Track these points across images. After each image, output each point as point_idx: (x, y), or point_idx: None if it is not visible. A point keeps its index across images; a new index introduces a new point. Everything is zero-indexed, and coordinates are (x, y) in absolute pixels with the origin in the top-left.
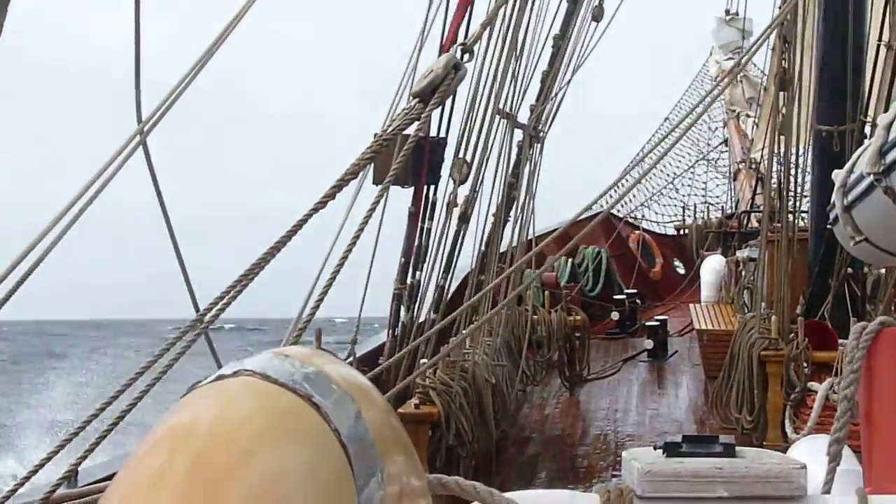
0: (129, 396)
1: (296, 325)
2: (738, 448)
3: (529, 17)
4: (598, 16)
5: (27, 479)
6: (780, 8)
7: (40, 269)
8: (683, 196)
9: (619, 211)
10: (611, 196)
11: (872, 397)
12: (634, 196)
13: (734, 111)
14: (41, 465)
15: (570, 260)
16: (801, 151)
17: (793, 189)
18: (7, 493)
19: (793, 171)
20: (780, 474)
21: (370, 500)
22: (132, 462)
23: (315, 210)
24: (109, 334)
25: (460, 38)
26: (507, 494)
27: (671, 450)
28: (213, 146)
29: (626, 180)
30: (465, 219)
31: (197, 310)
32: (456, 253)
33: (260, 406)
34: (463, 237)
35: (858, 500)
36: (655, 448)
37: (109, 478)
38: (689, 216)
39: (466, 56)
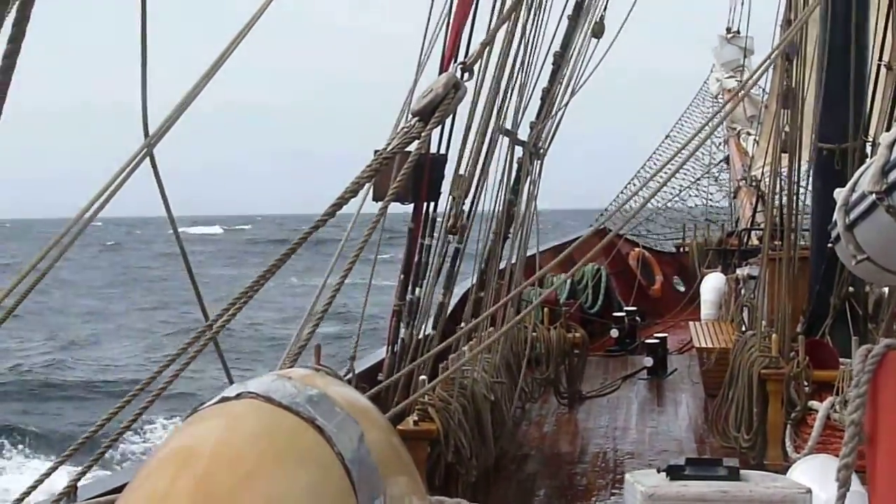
0: (130, 412)
1: (295, 343)
2: (742, 471)
3: (530, 35)
4: (598, 32)
5: (27, 494)
6: (781, 27)
7: None
8: (691, 209)
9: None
10: (618, 217)
11: (878, 420)
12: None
13: (735, 129)
14: (41, 481)
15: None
16: (802, 169)
17: (794, 207)
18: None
19: (794, 190)
20: (785, 499)
21: None
22: (135, 483)
23: (316, 227)
24: None
25: (460, 56)
26: None
27: (675, 473)
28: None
29: (632, 201)
30: (453, 231)
31: (206, 318)
32: (455, 270)
33: (263, 429)
34: (457, 253)
35: None
36: (658, 471)
37: (109, 493)
38: (689, 234)
39: (466, 75)
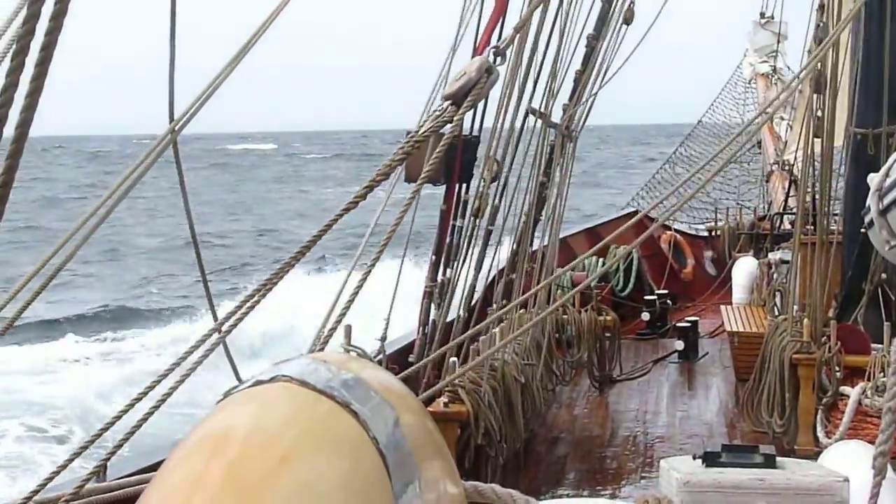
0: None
1: (325, 325)
2: (778, 459)
3: (564, 19)
4: (629, 19)
5: (56, 473)
6: (816, 12)
7: None
8: (717, 198)
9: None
10: (647, 200)
11: None
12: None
13: (768, 113)
14: (70, 460)
15: (600, 259)
16: (835, 154)
17: (826, 192)
18: (36, 488)
19: (827, 174)
20: (822, 487)
21: None
22: (167, 467)
23: (346, 210)
24: None
25: (493, 41)
26: (544, 503)
27: (710, 459)
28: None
29: (682, 191)
30: (477, 214)
31: (215, 318)
32: (488, 252)
33: (298, 413)
34: (488, 235)
35: None
36: (694, 457)
37: (138, 472)
38: (720, 218)
39: (499, 59)
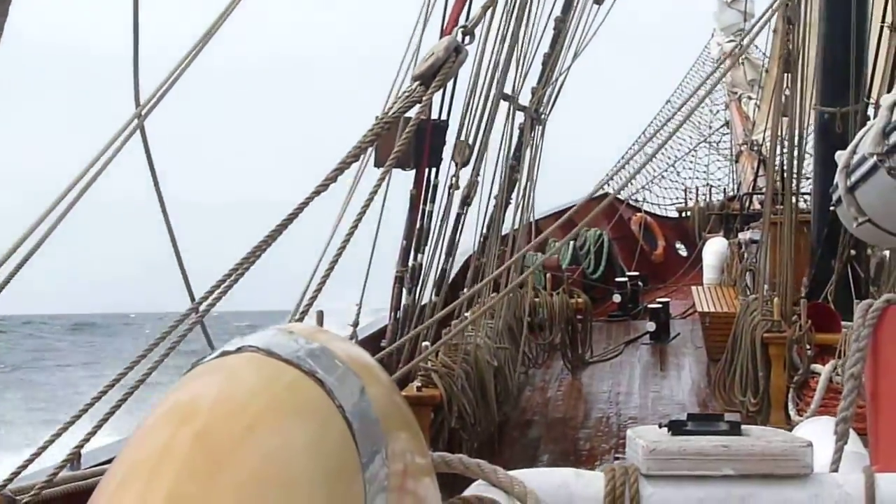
0: (130, 381)
1: (297, 309)
2: (743, 426)
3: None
4: None
5: (30, 461)
6: None
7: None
8: (685, 179)
9: (620, 193)
10: (617, 180)
11: (879, 375)
12: (636, 179)
13: (736, 93)
14: (44, 448)
15: (571, 242)
16: (803, 133)
17: (795, 171)
18: (10, 476)
19: (796, 153)
20: (785, 452)
21: (375, 476)
22: (135, 438)
23: (316, 193)
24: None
25: (461, 21)
26: (512, 472)
27: (676, 428)
28: (208, 131)
29: (631, 164)
30: (467, 202)
31: (192, 299)
32: (458, 236)
33: (264, 381)
34: (464, 220)
35: (865, 478)
36: (660, 426)
37: (112, 460)
38: (690, 199)
39: (468, 39)
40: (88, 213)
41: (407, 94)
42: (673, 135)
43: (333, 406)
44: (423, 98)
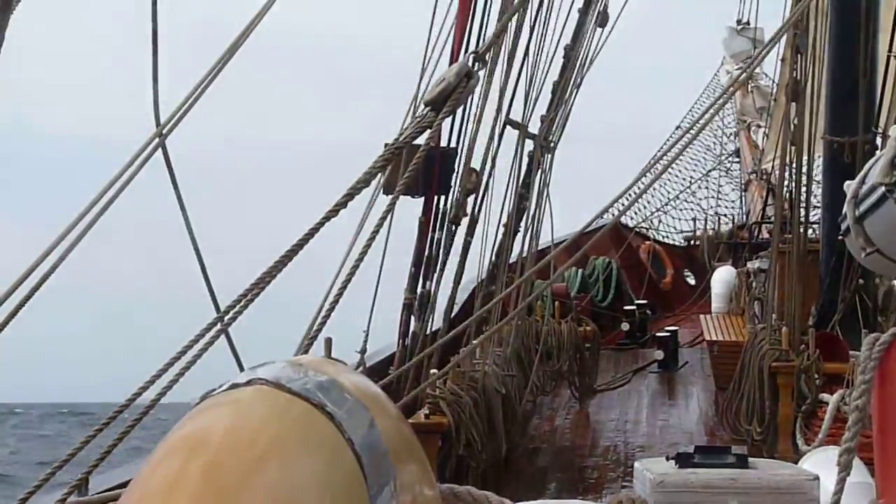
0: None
1: (306, 336)
2: (750, 459)
3: (541, 27)
4: (602, 21)
5: (38, 486)
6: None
7: None
8: (700, 200)
9: (629, 221)
10: (622, 204)
11: (886, 408)
12: (647, 205)
13: (745, 121)
14: (52, 474)
15: (580, 270)
16: (812, 162)
17: (804, 200)
18: (18, 502)
19: (804, 183)
20: (792, 485)
21: None
22: (146, 469)
23: (327, 218)
24: None
25: (472, 47)
26: None
27: (684, 460)
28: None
29: (638, 187)
30: (455, 222)
31: (218, 310)
32: (464, 263)
33: (273, 415)
34: (467, 246)
35: None
36: (668, 458)
37: (120, 486)
38: (699, 227)
39: (478, 64)
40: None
41: (418, 119)
42: (676, 158)
43: (343, 439)
44: (434, 123)
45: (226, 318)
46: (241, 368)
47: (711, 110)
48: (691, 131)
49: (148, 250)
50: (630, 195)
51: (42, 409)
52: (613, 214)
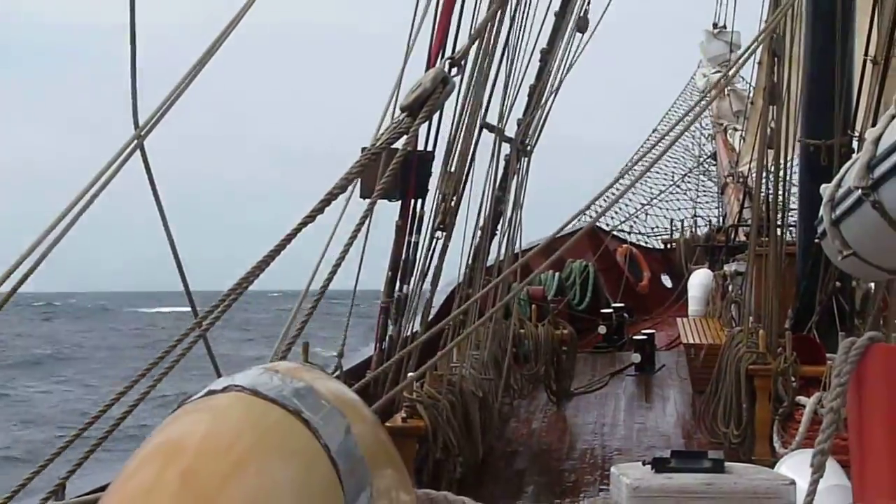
0: (119, 409)
1: (283, 340)
2: (727, 464)
3: (517, 31)
4: (582, 27)
5: (15, 492)
6: (767, 23)
7: None
8: (677, 206)
9: (606, 224)
10: (599, 207)
11: (862, 412)
12: (624, 207)
13: (721, 124)
14: (29, 479)
15: (557, 274)
16: (788, 165)
17: (780, 203)
18: None
19: (781, 186)
20: (769, 490)
21: None
22: (122, 476)
23: (304, 223)
24: None
25: (448, 52)
26: None
27: (660, 465)
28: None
29: (615, 190)
30: (442, 227)
31: (196, 314)
32: (440, 266)
33: (250, 421)
34: (445, 250)
35: None
36: (644, 463)
37: (97, 491)
38: (676, 230)
39: (455, 70)
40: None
41: (394, 125)
42: (655, 162)
43: (319, 446)
44: (410, 129)
45: (203, 322)
46: (219, 373)
47: (691, 115)
48: (670, 135)
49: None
50: (607, 198)
51: None
52: (591, 217)
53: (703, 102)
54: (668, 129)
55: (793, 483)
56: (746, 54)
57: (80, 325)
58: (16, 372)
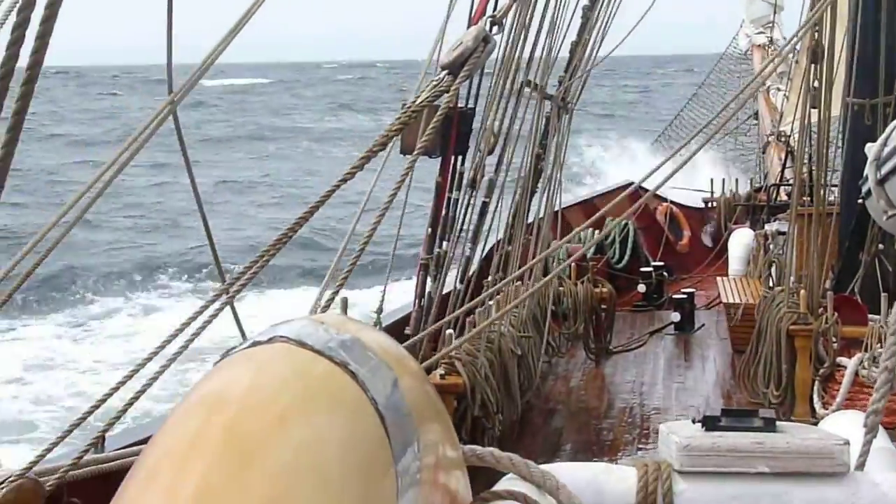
0: (156, 364)
1: (321, 298)
2: (778, 423)
3: None
4: None
5: (55, 444)
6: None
7: None
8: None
9: (655, 187)
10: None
11: None
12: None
13: (764, 84)
14: (69, 432)
15: (596, 231)
16: (832, 125)
17: (823, 162)
18: (35, 459)
19: (824, 145)
20: (822, 450)
21: (407, 470)
22: (166, 428)
23: (343, 181)
24: None
25: (489, 10)
26: (543, 467)
27: (710, 424)
28: None
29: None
30: (473, 185)
31: (223, 280)
32: (481, 224)
33: (295, 373)
34: (485, 207)
35: None
36: (694, 421)
37: (136, 443)
38: (717, 189)
39: (495, 28)
40: None
41: (435, 83)
42: (715, 133)
43: (366, 398)
44: (451, 88)
45: (231, 289)
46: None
47: (743, 95)
48: (723, 114)
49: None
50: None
51: None
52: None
53: (752, 87)
54: (724, 105)
55: (847, 443)
56: (787, 50)
57: None
58: None
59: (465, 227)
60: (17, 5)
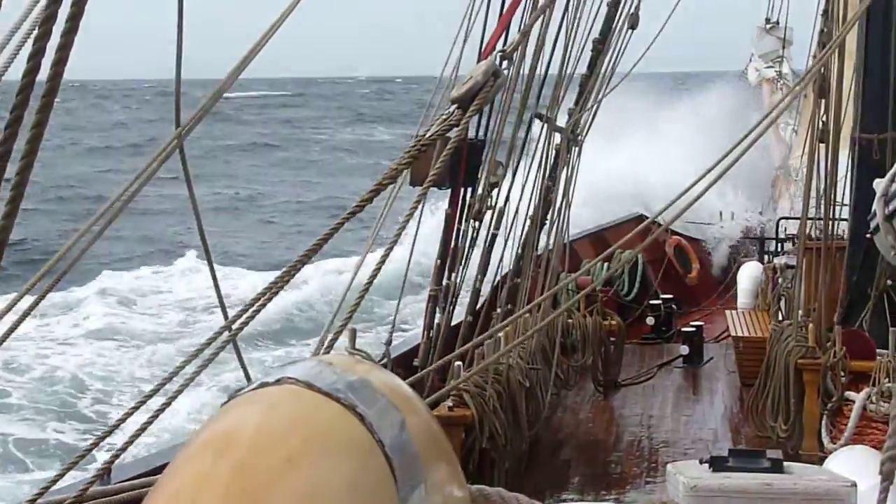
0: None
1: (330, 329)
2: (785, 464)
3: (570, 23)
4: (633, 23)
5: (61, 476)
6: (822, 17)
7: None
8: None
9: (666, 221)
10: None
11: None
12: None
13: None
14: (75, 463)
15: (605, 264)
16: (840, 159)
17: (831, 197)
18: (40, 490)
19: (832, 179)
20: (829, 492)
21: None
22: (174, 468)
23: (353, 213)
24: None
25: (499, 45)
26: None
27: (717, 464)
28: None
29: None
30: (478, 218)
31: (226, 317)
32: (488, 256)
33: (303, 415)
34: (493, 239)
35: None
36: (701, 462)
37: (143, 475)
38: (724, 222)
39: (505, 63)
40: None
41: (445, 116)
42: (730, 168)
43: (373, 441)
44: (461, 121)
45: (233, 326)
46: (248, 377)
47: (760, 127)
48: (741, 145)
49: None
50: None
51: None
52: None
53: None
54: (740, 139)
55: (854, 485)
56: (799, 89)
57: None
58: None
59: (468, 258)
60: (40, 18)
